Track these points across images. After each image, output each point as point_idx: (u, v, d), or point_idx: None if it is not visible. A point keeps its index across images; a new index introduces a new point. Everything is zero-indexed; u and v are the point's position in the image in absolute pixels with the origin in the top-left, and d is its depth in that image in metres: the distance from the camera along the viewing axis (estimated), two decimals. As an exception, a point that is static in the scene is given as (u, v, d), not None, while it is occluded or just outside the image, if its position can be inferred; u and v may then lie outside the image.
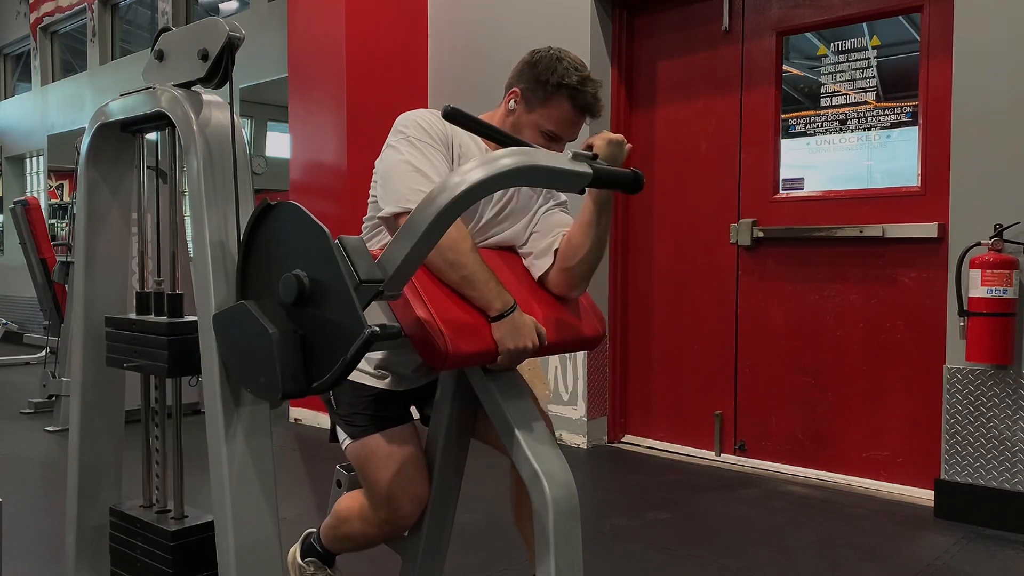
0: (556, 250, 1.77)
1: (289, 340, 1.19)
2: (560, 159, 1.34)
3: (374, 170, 1.80)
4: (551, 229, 1.82)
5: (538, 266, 1.79)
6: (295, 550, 2.17)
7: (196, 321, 1.35)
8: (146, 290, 1.52)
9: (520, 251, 1.86)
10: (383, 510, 1.79)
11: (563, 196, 1.96)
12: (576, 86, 1.77)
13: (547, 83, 1.77)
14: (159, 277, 1.50)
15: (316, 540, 2.10)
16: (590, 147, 1.62)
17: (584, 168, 1.34)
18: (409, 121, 1.76)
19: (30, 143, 9.95)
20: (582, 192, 1.44)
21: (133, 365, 1.44)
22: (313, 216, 1.20)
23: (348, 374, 1.20)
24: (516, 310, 1.60)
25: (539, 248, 1.81)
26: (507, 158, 1.27)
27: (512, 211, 1.85)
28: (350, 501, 1.94)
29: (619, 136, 1.66)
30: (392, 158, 1.72)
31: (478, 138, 1.84)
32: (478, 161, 1.27)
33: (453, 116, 1.36)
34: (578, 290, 1.77)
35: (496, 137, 1.46)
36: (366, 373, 1.85)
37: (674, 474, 3.80)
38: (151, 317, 1.47)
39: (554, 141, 1.83)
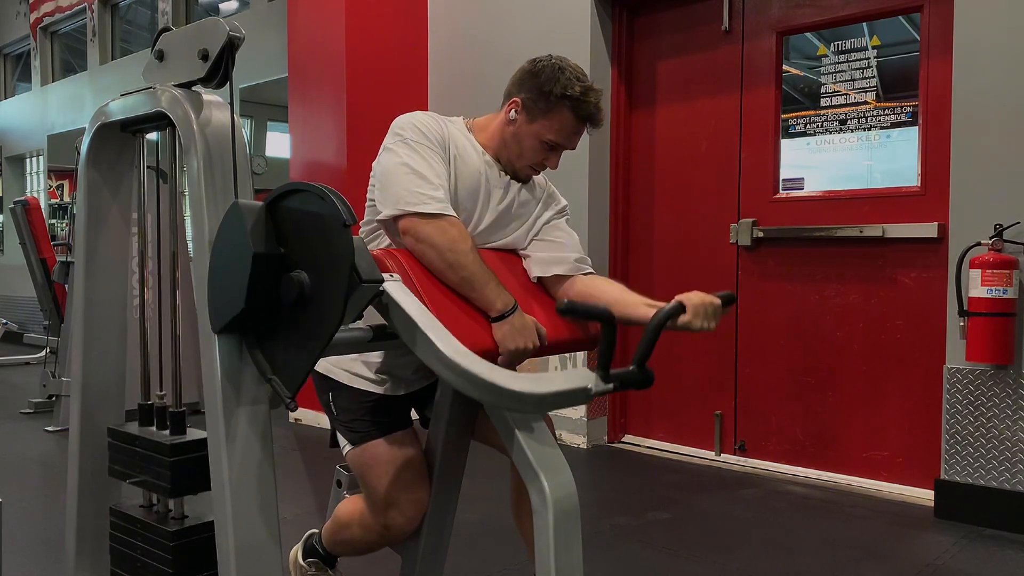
0: (559, 275, 1.78)
1: (268, 259, 1.21)
2: (579, 384, 1.33)
3: (371, 173, 1.80)
4: (560, 247, 1.82)
5: (534, 270, 1.80)
6: (297, 550, 2.17)
7: (201, 439, 1.36)
8: (148, 402, 1.53)
9: (520, 252, 1.86)
10: (383, 516, 1.79)
11: (564, 201, 1.96)
12: (579, 97, 1.76)
13: (550, 94, 1.76)
14: (160, 391, 1.50)
15: (318, 541, 2.10)
16: (681, 306, 1.58)
17: (597, 390, 1.34)
18: (406, 123, 1.75)
19: (30, 143, 9.95)
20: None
21: (136, 481, 1.46)
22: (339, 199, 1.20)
23: (344, 320, 1.21)
24: (517, 310, 1.59)
25: (540, 257, 1.81)
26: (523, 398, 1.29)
27: (512, 216, 1.84)
28: (351, 506, 1.93)
29: (716, 302, 1.61)
30: (390, 161, 1.71)
31: (475, 141, 1.84)
32: (498, 384, 1.29)
33: (568, 312, 1.37)
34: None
35: (592, 317, 1.43)
36: (366, 379, 1.85)
37: (674, 474, 3.80)
38: (154, 431, 1.48)
39: (554, 150, 1.83)
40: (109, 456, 1.52)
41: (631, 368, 1.36)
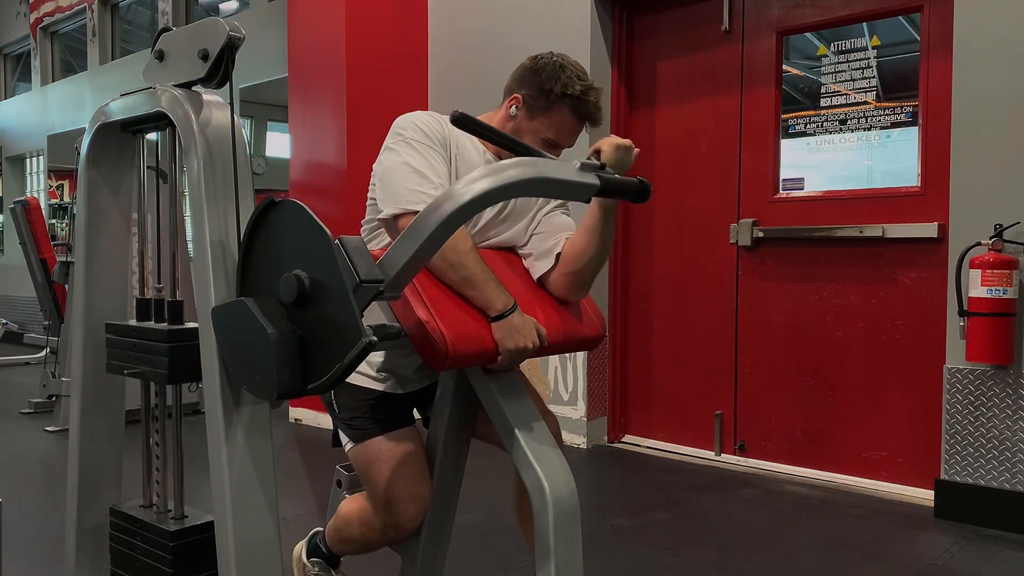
0: (558, 254, 1.77)
1: (287, 340, 1.19)
2: (567, 169, 1.32)
3: (372, 173, 1.80)
4: (553, 232, 1.82)
5: (538, 267, 1.79)
6: (301, 548, 2.17)
7: (196, 328, 1.35)
8: (146, 296, 1.52)
9: (520, 252, 1.86)
10: (385, 514, 1.79)
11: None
12: (579, 96, 1.77)
13: (550, 92, 1.77)
14: (159, 283, 1.50)
15: (322, 540, 2.10)
16: (597, 152, 1.62)
17: (591, 179, 1.33)
18: (407, 123, 1.76)
19: (30, 143, 9.95)
20: (588, 201, 1.44)
21: (133, 372, 1.44)
22: (315, 216, 1.20)
23: (345, 378, 1.20)
24: (517, 310, 1.60)
25: (540, 250, 1.81)
26: (514, 169, 1.27)
27: (512, 212, 1.84)
28: (353, 505, 1.94)
29: (627, 141, 1.66)
30: (391, 160, 1.72)
31: (476, 140, 1.84)
32: (484, 171, 1.27)
33: (461, 121, 1.36)
34: (580, 294, 1.77)
35: (504, 143, 1.45)
36: (367, 376, 1.85)
37: (674, 474, 3.80)
38: (151, 324, 1.47)
39: (553, 148, 1.83)
40: (107, 352, 1.50)
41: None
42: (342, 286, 1.16)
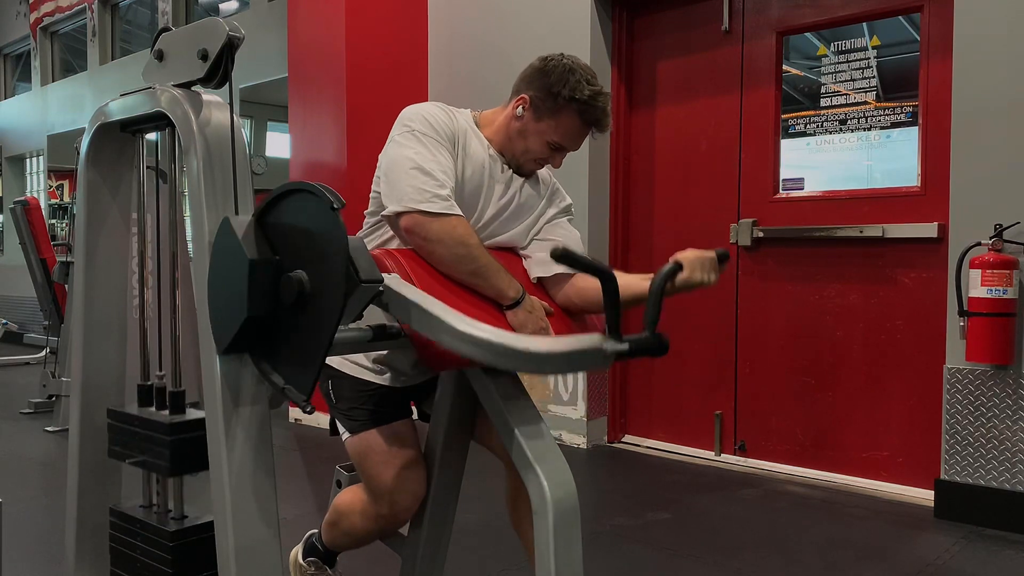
0: (560, 274, 1.76)
1: (265, 263, 1.21)
2: (593, 344, 1.24)
3: (378, 163, 1.79)
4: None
5: (536, 271, 1.79)
6: (297, 551, 2.18)
7: (200, 419, 1.35)
8: (148, 382, 1.52)
9: (520, 252, 1.86)
10: (382, 504, 1.80)
11: (568, 199, 1.96)
12: (588, 100, 1.76)
13: (558, 95, 1.76)
14: (160, 371, 1.50)
15: (318, 540, 2.10)
16: (678, 264, 1.56)
17: (611, 359, 1.25)
18: (415, 114, 1.75)
19: (30, 143, 9.95)
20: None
21: (135, 461, 1.45)
22: (339, 219, 1.20)
23: (342, 321, 1.21)
24: (527, 295, 1.61)
25: (540, 257, 1.80)
26: (535, 356, 1.22)
27: (514, 212, 1.84)
28: (349, 496, 1.94)
29: (711, 255, 1.62)
30: (396, 153, 1.70)
31: (481, 134, 1.84)
32: (507, 345, 1.23)
33: (564, 259, 1.31)
34: (581, 316, 1.77)
35: (594, 271, 1.37)
36: (365, 368, 1.85)
37: (674, 474, 3.80)
38: (153, 412, 1.47)
39: (558, 151, 1.83)
40: (109, 437, 1.51)
41: (644, 333, 1.29)
42: (340, 242, 1.17)
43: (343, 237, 1.18)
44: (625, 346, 1.22)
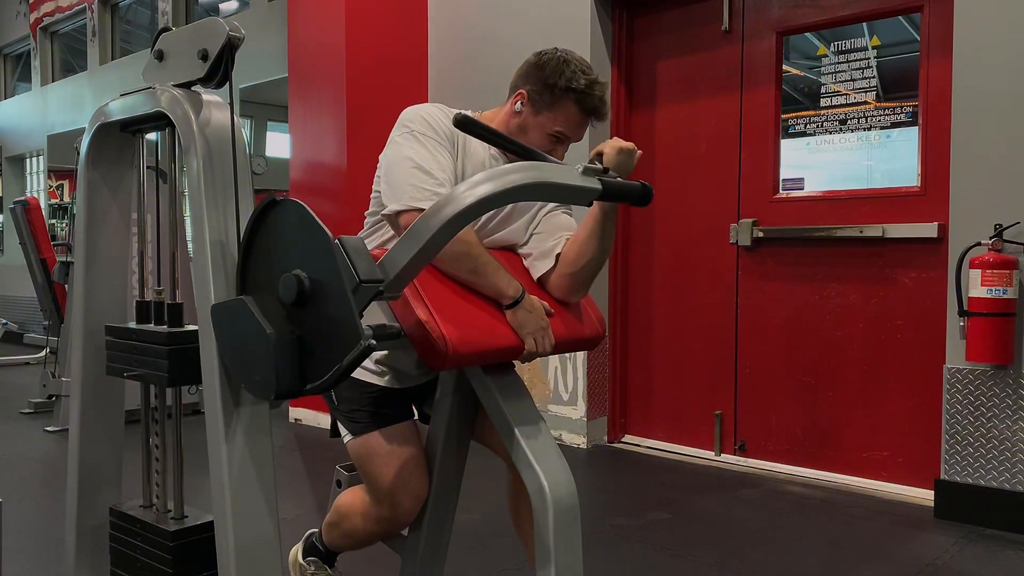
0: (558, 254, 1.77)
1: (286, 341, 1.20)
2: (569, 174, 1.31)
3: (378, 164, 1.80)
4: (554, 232, 1.82)
5: (538, 267, 1.79)
6: (297, 550, 2.18)
7: (196, 330, 1.35)
8: (146, 299, 1.52)
9: (520, 251, 1.86)
10: (383, 506, 1.80)
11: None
12: (584, 90, 1.77)
13: (554, 87, 1.77)
14: (159, 286, 1.50)
15: (318, 539, 2.10)
16: (599, 155, 1.62)
17: (593, 183, 1.32)
18: (414, 115, 1.75)
19: (30, 143, 9.95)
20: (590, 205, 1.44)
21: (133, 374, 1.44)
22: (315, 215, 1.20)
23: (344, 379, 1.20)
24: (526, 293, 1.61)
25: (540, 250, 1.81)
26: (516, 173, 1.26)
27: (513, 211, 1.84)
28: (351, 497, 1.94)
29: (629, 144, 1.67)
30: (396, 153, 1.71)
31: None
32: (486, 175, 1.26)
33: (463, 124, 1.35)
34: (578, 295, 1.77)
35: (507, 146, 1.45)
36: (367, 370, 1.85)
37: (674, 474, 3.80)
38: (151, 326, 1.47)
39: (560, 142, 1.83)
40: (107, 355, 1.51)
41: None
42: (341, 287, 1.16)
43: (320, 227, 1.18)
44: (598, 166, 1.35)
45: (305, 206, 1.21)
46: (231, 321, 1.24)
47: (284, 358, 1.19)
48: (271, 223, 1.25)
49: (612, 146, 1.64)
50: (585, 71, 1.78)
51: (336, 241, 1.18)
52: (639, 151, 1.70)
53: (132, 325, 1.49)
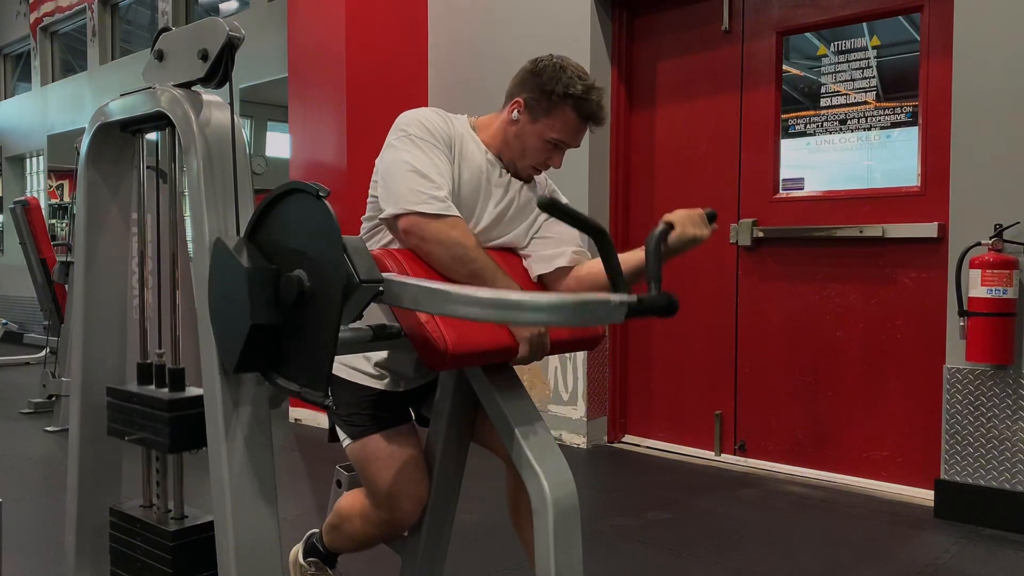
0: (561, 267, 1.77)
1: (262, 272, 1.22)
2: (605, 308, 1.19)
3: (375, 169, 1.80)
4: (557, 241, 1.82)
5: (536, 268, 1.80)
6: (297, 550, 2.18)
7: (198, 396, 1.36)
8: (147, 361, 1.52)
9: (520, 252, 1.87)
10: (384, 509, 1.80)
11: (564, 200, 1.95)
12: (581, 95, 1.76)
13: (552, 93, 1.76)
14: (160, 349, 1.50)
15: (318, 540, 2.10)
16: (669, 224, 1.61)
17: (619, 314, 1.20)
18: (411, 119, 1.75)
19: (30, 143, 9.95)
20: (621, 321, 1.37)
21: (135, 439, 1.45)
22: (333, 215, 1.20)
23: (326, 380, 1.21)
24: None
25: (540, 255, 1.81)
26: (554, 312, 1.19)
27: (514, 214, 1.84)
28: (351, 500, 1.94)
29: (699, 211, 1.65)
30: (393, 157, 1.71)
31: (478, 139, 1.84)
32: (530, 301, 1.20)
33: (550, 208, 1.31)
34: None
35: (583, 228, 1.36)
36: (365, 374, 1.85)
37: (674, 474, 3.80)
38: (152, 389, 1.48)
39: (557, 149, 1.83)
40: (108, 415, 1.51)
41: (652, 292, 1.29)
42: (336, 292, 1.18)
43: (335, 226, 1.18)
44: (633, 297, 1.20)
45: (327, 205, 1.21)
46: (218, 279, 1.26)
47: (259, 288, 1.21)
48: (287, 209, 1.25)
49: (684, 219, 1.62)
50: (582, 77, 1.78)
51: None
52: (715, 226, 1.66)
53: (133, 388, 1.50)
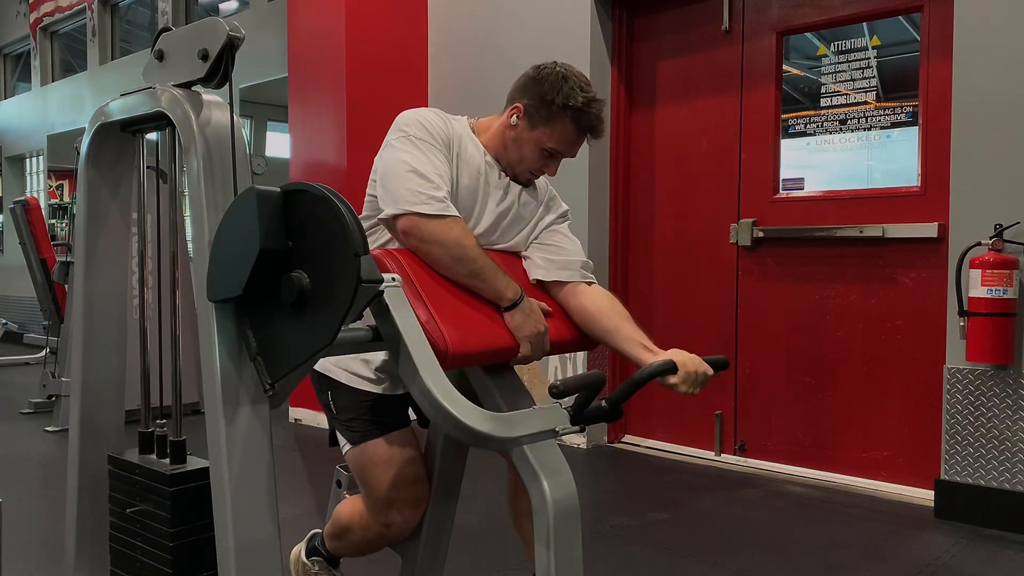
0: (560, 282, 1.76)
1: (272, 197, 1.22)
2: (548, 425, 1.45)
3: (373, 168, 1.80)
4: (565, 252, 1.81)
5: (534, 274, 1.79)
6: (300, 549, 2.17)
7: (203, 468, 1.36)
8: (149, 430, 1.52)
9: (520, 253, 1.86)
10: (383, 515, 1.79)
11: (565, 206, 1.95)
12: (581, 107, 1.75)
13: (552, 103, 1.75)
14: (160, 420, 1.51)
15: (321, 544, 2.10)
16: (674, 367, 1.57)
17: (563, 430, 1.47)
18: (410, 119, 1.75)
19: (30, 143, 9.95)
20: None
21: (137, 511, 1.45)
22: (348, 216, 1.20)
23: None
24: (525, 297, 1.61)
25: (542, 260, 1.80)
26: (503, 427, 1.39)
27: (514, 218, 1.83)
28: (350, 507, 1.93)
29: (707, 371, 1.61)
30: (392, 157, 1.71)
31: (477, 141, 1.84)
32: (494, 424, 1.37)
33: (562, 394, 1.43)
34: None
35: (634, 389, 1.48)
36: (364, 378, 1.84)
37: (674, 474, 3.80)
38: (154, 459, 1.48)
39: (553, 158, 1.82)
40: (109, 484, 1.52)
41: (602, 405, 1.46)
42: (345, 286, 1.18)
43: (349, 227, 1.18)
44: (577, 428, 1.48)
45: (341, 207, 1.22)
46: (230, 211, 1.25)
47: (267, 211, 1.20)
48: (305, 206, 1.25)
49: (688, 371, 1.58)
50: (583, 88, 1.76)
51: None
52: (711, 373, 1.63)
53: (134, 458, 1.49)
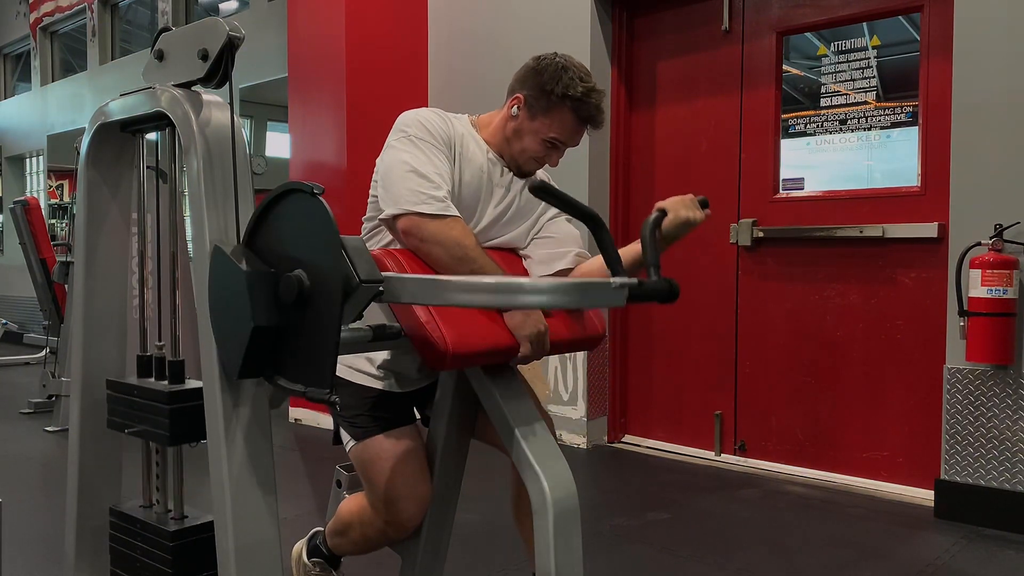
0: (562, 269, 1.77)
1: (262, 276, 1.22)
2: (603, 291, 1.19)
3: (375, 169, 1.80)
4: (559, 242, 1.82)
5: (536, 271, 1.80)
6: (301, 547, 2.17)
7: (198, 388, 1.35)
8: (147, 353, 1.52)
9: (520, 253, 1.86)
10: (385, 512, 1.79)
11: None
12: (580, 97, 1.76)
13: (551, 93, 1.76)
14: (160, 341, 1.50)
15: (322, 542, 2.10)
16: (662, 211, 1.59)
17: (620, 297, 1.19)
18: (411, 120, 1.75)
19: (30, 143, 9.95)
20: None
21: (135, 431, 1.45)
22: (331, 215, 1.20)
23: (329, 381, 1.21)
24: None
25: (541, 255, 1.81)
26: (555, 294, 1.19)
27: (514, 214, 1.84)
28: (352, 505, 1.94)
29: (691, 196, 1.64)
30: (393, 158, 1.71)
31: (479, 138, 1.84)
32: (533, 286, 1.20)
33: (541, 192, 1.31)
34: (582, 314, 1.78)
35: (574, 212, 1.37)
36: (368, 375, 1.85)
37: (674, 474, 3.80)
38: (152, 382, 1.47)
39: (554, 148, 1.83)
40: (108, 408, 1.51)
41: (650, 279, 1.26)
42: (336, 281, 1.18)
43: (332, 225, 1.18)
44: (634, 280, 1.18)
45: (324, 204, 1.21)
46: (218, 284, 1.26)
47: (260, 291, 1.21)
48: (287, 209, 1.25)
49: (678, 206, 1.60)
50: (583, 78, 1.77)
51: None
52: (708, 211, 1.66)
53: (133, 381, 1.49)
